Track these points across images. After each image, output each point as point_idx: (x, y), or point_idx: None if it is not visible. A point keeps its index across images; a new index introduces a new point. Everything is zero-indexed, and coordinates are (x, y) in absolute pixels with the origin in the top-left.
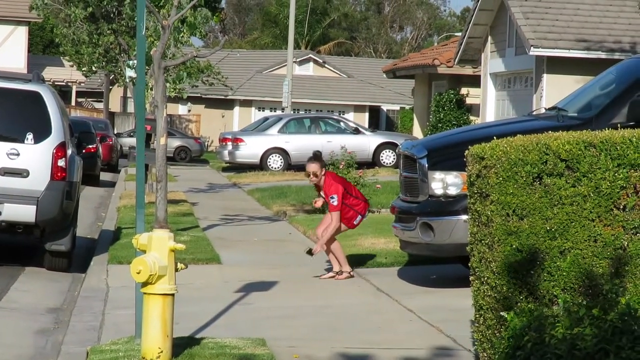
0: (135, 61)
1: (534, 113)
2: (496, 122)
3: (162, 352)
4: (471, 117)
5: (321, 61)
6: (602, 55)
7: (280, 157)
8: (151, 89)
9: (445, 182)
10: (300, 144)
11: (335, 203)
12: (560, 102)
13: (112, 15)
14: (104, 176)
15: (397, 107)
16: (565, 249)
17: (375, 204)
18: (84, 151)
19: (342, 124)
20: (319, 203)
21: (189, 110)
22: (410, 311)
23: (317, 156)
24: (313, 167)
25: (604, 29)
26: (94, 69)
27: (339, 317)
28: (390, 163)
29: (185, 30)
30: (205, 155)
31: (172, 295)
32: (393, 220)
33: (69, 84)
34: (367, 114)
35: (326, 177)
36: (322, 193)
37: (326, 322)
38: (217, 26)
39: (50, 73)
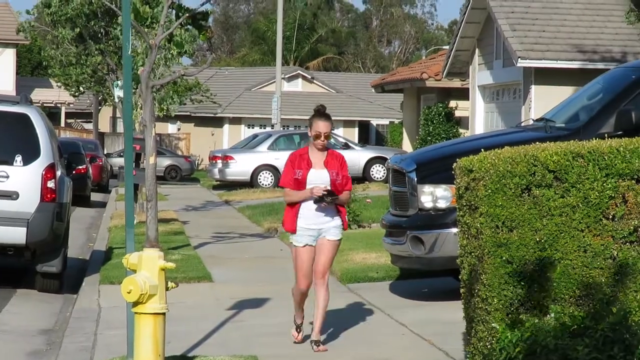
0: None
1: (522, 124)
2: (484, 135)
3: None
4: (460, 130)
5: (310, 77)
6: (590, 65)
7: (271, 173)
8: (140, 109)
9: (434, 196)
10: None
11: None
12: (548, 113)
13: (99, 36)
14: (95, 197)
15: (386, 122)
16: (555, 259)
17: (366, 219)
18: (74, 172)
19: (331, 139)
20: (317, 191)
21: (179, 129)
22: (403, 325)
23: (326, 113)
24: (327, 125)
25: (591, 39)
26: (82, 89)
27: (332, 333)
28: (380, 177)
29: (173, 49)
30: (195, 174)
31: (163, 314)
32: (384, 234)
33: (58, 105)
34: (356, 129)
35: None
36: (315, 170)
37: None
38: (204, 44)
39: (39, 95)
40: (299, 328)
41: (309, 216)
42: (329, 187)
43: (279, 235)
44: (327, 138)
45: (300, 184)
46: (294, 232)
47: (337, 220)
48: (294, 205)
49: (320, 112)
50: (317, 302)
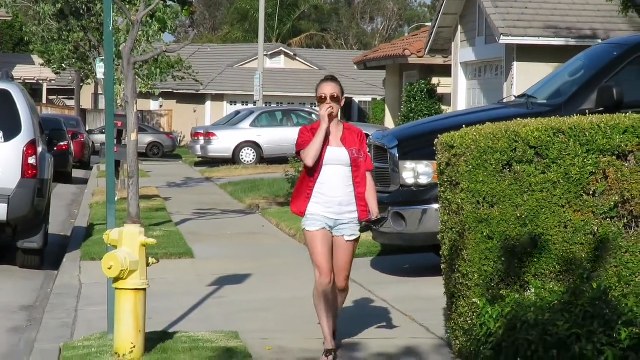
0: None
1: (504, 101)
2: (466, 111)
3: (134, 347)
4: (442, 107)
5: (292, 54)
6: (572, 42)
7: (253, 150)
8: (122, 85)
9: (416, 172)
10: (272, 137)
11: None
12: (529, 90)
13: (81, 12)
14: (76, 173)
15: (368, 99)
16: (536, 235)
17: None
18: (55, 149)
19: (314, 116)
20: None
21: (161, 106)
22: (384, 301)
23: (332, 76)
24: (333, 87)
25: (573, 16)
26: (64, 66)
27: (313, 309)
28: None
29: (154, 26)
30: (177, 151)
31: (144, 290)
32: None
33: (40, 81)
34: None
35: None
36: (331, 148)
37: (299, 314)
38: (187, 21)
39: (21, 71)
40: (329, 353)
41: (329, 203)
42: (372, 217)
43: (260, 212)
44: (334, 101)
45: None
46: (302, 215)
47: (355, 213)
48: (308, 184)
49: (326, 77)
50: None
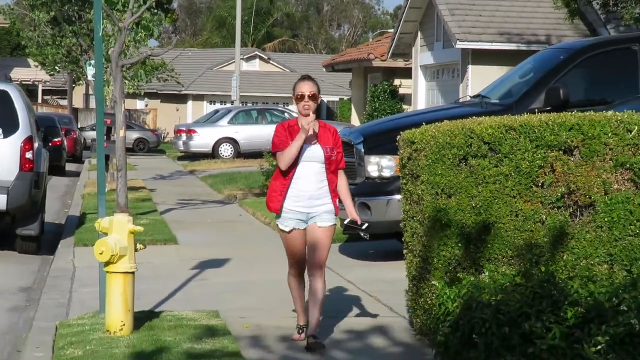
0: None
1: (460, 101)
2: (425, 110)
3: (124, 325)
4: (404, 106)
5: (266, 57)
6: (522, 47)
7: (231, 145)
8: (110, 86)
9: (380, 165)
10: (248, 133)
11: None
12: (483, 90)
13: (73, 19)
14: (69, 167)
15: (336, 99)
16: (490, 223)
17: None
18: (50, 144)
19: (286, 114)
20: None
21: (146, 105)
22: (350, 282)
23: (309, 76)
24: (311, 86)
25: (523, 23)
26: (57, 68)
27: (287, 290)
28: None
29: (140, 32)
30: (161, 146)
31: (133, 273)
32: None
33: (35, 83)
34: None
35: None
36: (306, 145)
37: (275, 295)
38: (170, 27)
39: (18, 73)
40: (301, 329)
41: (298, 197)
42: (354, 219)
43: (237, 202)
44: (312, 100)
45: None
46: (277, 212)
47: (330, 205)
48: (282, 181)
49: (303, 76)
50: (312, 296)
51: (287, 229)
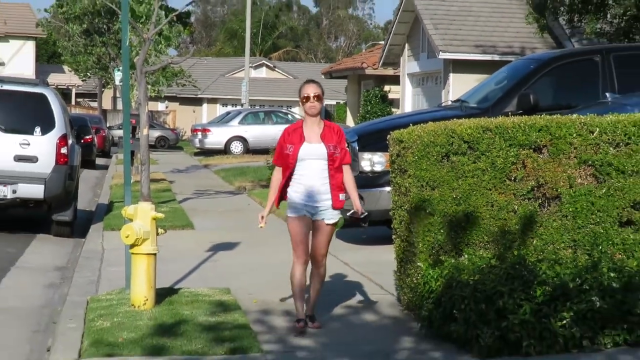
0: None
1: (443, 105)
2: (412, 112)
3: (147, 300)
4: (393, 109)
5: (272, 66)
6: (496, 57)
7: (241, 143)
8: (135, 90)
9: (372, 161)
10: (256, 132)
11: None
12: (463, 96)
13: (102, 31)
14: (99, 161)
15: (333, 102)
16: (468, 212)
17: None
18: (82, 141)
19: (289, 115)
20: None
21: (166, 107)
22: (346, 264)
23: (314, 80)
24: (316, 88)
25: (498, 36)
26: (89, 74)
27: (285, 273)
28: None
29: (162, 42)
30: (180, 143)
31: (155, 254)
32: None
33: (69, 87)
34: None
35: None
36: (309, 144)
37: (280, 275)
38: (187, 38)
39: (54, 78)
40: (300, 322)
41: (304, 193)
42: (356, 211)
43: (246, 193)
44: (318, 100)
45: (289, 160)
46: (277, 207)
47: (331, 200)
48: (286, 174)
49: (308, 80)
50: (313, 280)
51: (295, 214)
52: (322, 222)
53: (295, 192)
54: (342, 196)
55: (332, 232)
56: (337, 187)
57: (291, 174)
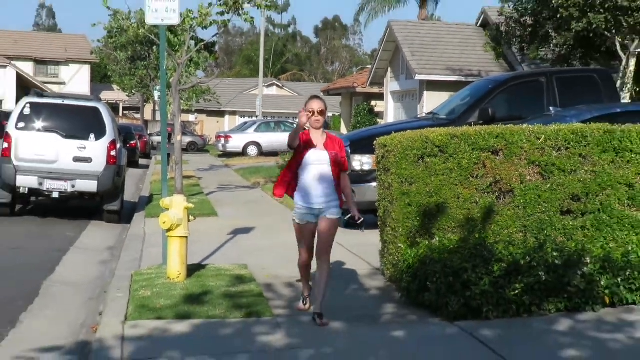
0: (159, 86)
1: (418, 116)
2: (394, 123)
3: (180, 274)
4: (378, 120)
5: (281, 85)
6: (462, 78)
7: (256, 147)
8: (171, 104)
9: (361, 162)
10: (268, 139)
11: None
12: (435, 109)
13: (144, 57)
14: (142, 162)
15: (330, 114)
16: (439, 203)
17: None
18: (128, 145)
19: (295, 125)
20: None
21: (196, 118)
22: (341, 245)
23: (318, 96)
24: (319, 103)
25: (463, 62)
26: (133, 92)
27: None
28: None
29: (192, 66)
30: (206, 147)
31: (186, 237)
32: None
33: (118, 102)
34: None
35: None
36: (315, 150)
37: (289, 255)
38: (213, 63)
39: (105, 95)
40: (305, 300)
41: (310, 195)
42: (354, 216)
43: (260, 187)
44: (320, 115)
45: (300, 150)
46: (281, 197)
47: (337, 201)
48: (289, 174)
49: (313, 96)
50: (319, 278)
51: (302, 222)
52: (325, 218)
53: (300, 195)
54: (343, 196)
55: (335, 227)
56: (339, 188)
57: (297, 178)
